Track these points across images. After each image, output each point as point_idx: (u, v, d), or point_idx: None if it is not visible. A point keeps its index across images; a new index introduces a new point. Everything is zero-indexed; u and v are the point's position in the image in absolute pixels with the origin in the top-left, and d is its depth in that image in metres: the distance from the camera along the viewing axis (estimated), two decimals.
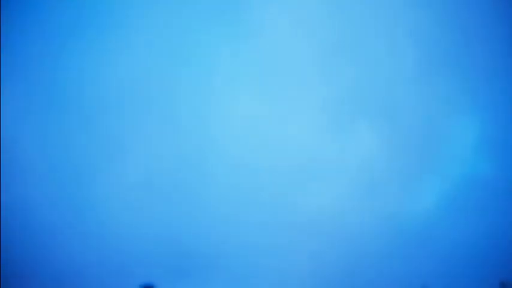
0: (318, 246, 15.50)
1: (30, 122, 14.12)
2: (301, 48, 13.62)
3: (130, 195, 15.44)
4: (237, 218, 17.55)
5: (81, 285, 14.74)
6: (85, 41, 12.51)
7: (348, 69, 14.64)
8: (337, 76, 15.05)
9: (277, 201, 17.13)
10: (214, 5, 12.05)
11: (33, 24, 12.18)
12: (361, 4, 12.42)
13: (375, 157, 16.50)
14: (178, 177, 16.57)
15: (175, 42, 13.69)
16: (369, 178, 16.05)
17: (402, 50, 13.14)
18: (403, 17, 12.66)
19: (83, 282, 14.82)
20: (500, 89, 11.31)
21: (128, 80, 14.06)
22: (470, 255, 10.35)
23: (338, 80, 15.16)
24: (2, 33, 10.69)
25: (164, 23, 13.02)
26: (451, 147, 14.69)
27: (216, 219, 16.30)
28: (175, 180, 16.67)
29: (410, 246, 13.47)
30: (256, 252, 16.20)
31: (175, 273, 14.94)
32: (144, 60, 13.03)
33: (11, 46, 11.42)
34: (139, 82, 14.18)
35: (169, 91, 15.14)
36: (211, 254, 15.98)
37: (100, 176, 15.98)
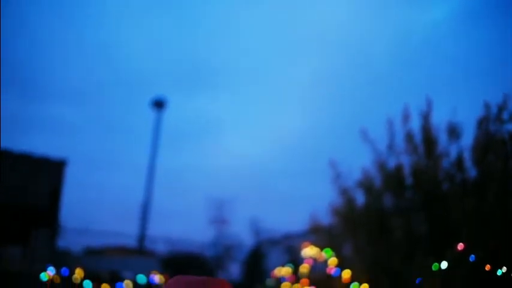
0: (322, 60, 15.17)
1: None
2: None
3: (138, 14, 14.90)
4: (242, 29, 17.10)
5: (93, 100, 14.80)
6: None
7: None
8: None
9: (282, 16, 16.50)
10: None
11: None
12: None
13: None
14: None
15: None
16: None
17: None
18: None
19: (95, 97, 14.86)
20: None
21: None
22: (474, 67, 9.89)
23: None
24: None
25: None
26: None
27: (224, 34, 15.95)
28: None
29: (417, 53, 13.12)
30: (259, 68, 16.08)
31: (186, 88, 14.97)
32: None
33: None
34: None
35: None
36: (219, 70, 15.91)
37: None
